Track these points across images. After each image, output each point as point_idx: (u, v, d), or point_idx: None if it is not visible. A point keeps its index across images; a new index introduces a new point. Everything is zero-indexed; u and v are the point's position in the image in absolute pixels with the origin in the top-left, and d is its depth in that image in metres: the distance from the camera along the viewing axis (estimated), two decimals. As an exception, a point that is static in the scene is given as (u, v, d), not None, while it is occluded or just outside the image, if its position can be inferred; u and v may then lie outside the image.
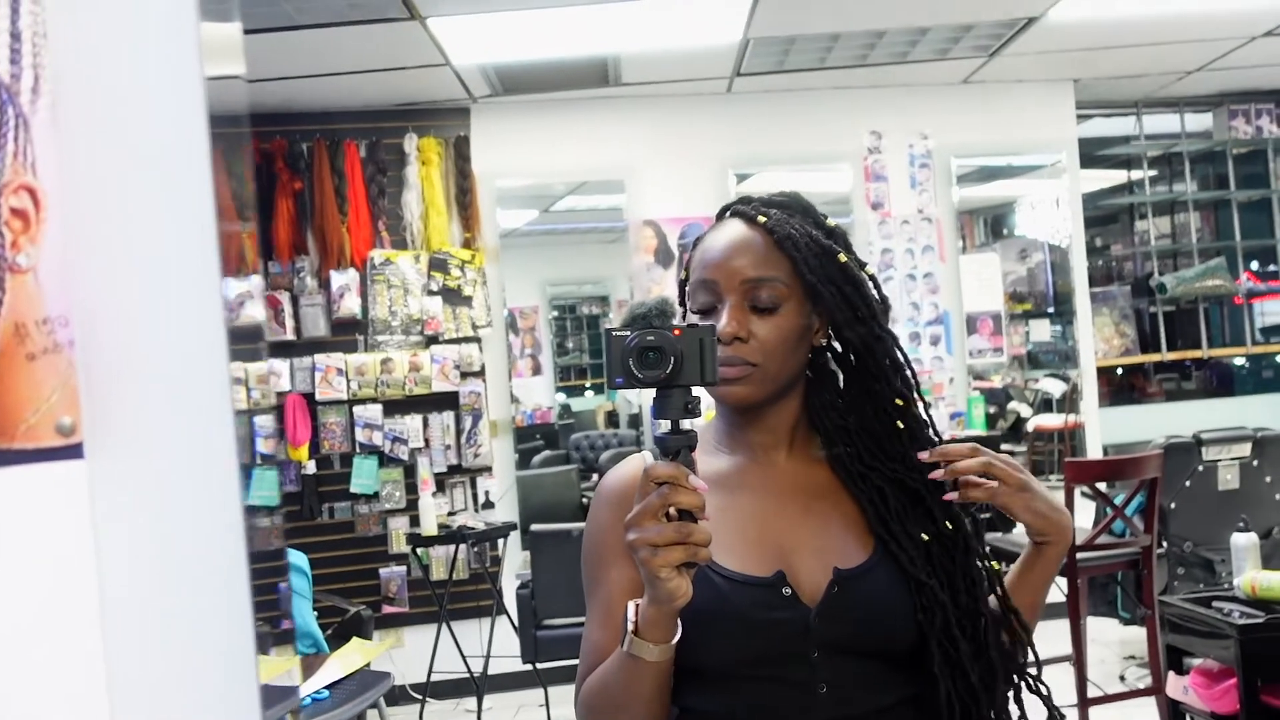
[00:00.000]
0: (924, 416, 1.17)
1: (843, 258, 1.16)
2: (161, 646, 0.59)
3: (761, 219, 1.16)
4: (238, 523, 0.58)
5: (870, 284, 1.18)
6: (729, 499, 1.15)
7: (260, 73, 4.27)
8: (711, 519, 1.09)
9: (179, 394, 0.59)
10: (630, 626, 1.00)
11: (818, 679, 1.07)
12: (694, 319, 1.17)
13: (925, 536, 1.12)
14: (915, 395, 1.17)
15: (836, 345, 1.21)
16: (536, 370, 5.73)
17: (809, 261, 1.13)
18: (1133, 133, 5.95)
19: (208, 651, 0.61)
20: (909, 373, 1.17)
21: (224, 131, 0.63)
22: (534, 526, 4.00)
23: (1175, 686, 2.62)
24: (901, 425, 1.16)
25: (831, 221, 1.22)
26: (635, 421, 5.75)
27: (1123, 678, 4.38)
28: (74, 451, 0.56)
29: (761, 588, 1.09)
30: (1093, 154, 5.83)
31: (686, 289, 1.21)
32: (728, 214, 1.21)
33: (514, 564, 4.80)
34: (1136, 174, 6.10)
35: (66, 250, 0.57)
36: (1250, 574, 2.53)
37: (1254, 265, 6.16)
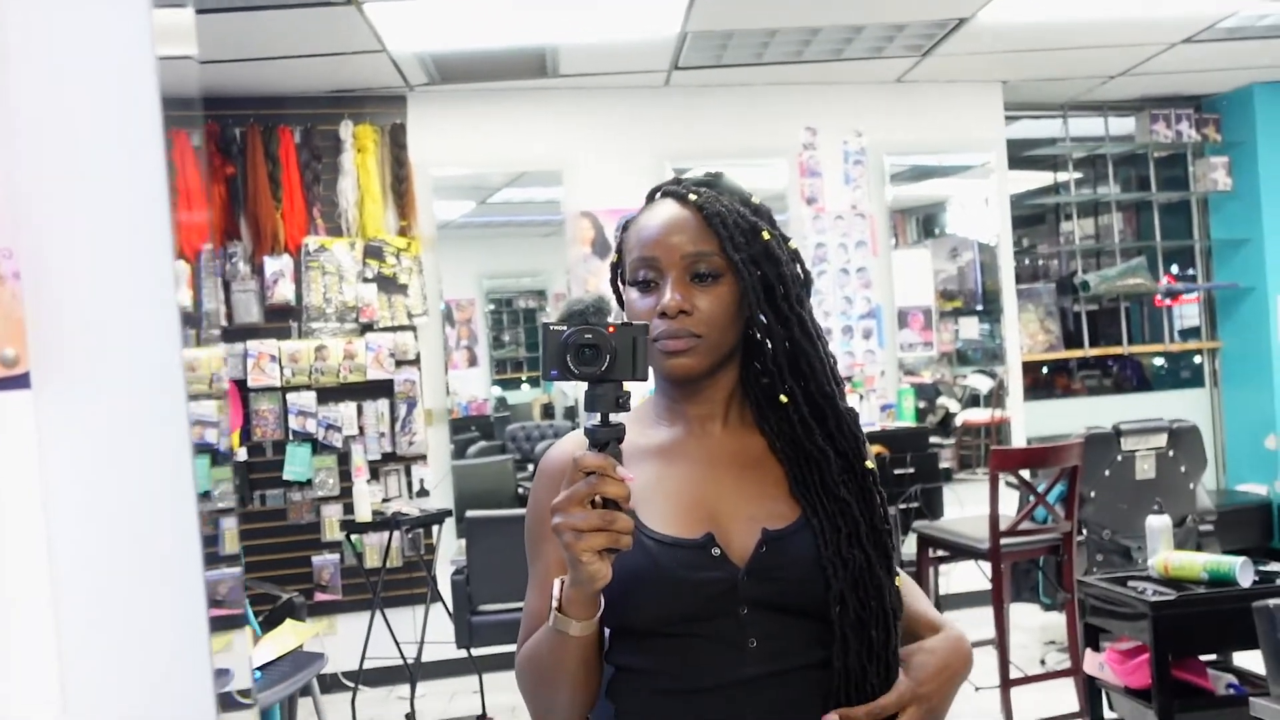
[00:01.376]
0: (829, 389, 1.20)
1: (766, 234, 1.20)
2: (109, 573, 0.61)
3: (692, 197, 1.20)
4: (186, 456, 0.60)
5: (793, 261, 1.23)
6: (665, 468, 1.20)
7: (193, 54, 4.21)
8: (647, 487, 1.15)
9: (129, 329, 0.60)
10: (555, 604, 1.06)
11: (747, 635, 1.12)
12: (633, 294, 1.21)
13: (848, 499, 1.16)
14: (828, 374, 1.20)
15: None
16: (473, 362, 5.72)
17: (734, 239, 1.18)
18: (1059, 135, 6.11)
19: (156, 581, 0.63)
20: (820, 351, 1.20)
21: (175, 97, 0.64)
22: (470, 513, 4.00)
23: (1092, 663, 2.71)
24: (813, 399, 1.19)
25: (756, 199, 1.26)
26: (571, 414, 5.77)
27: (1043, 661, 4.51)
28: (19, 382, 0.57)
29: (691, 549, 1.13)
30: (1020, 155, 5.98)
31: (623, 269, 1.25)
32: (659, 194, 1.26)
33: (449, 551, 4.79)
34: (1062, 176, 6.27)
35: (13, 183, 0.58)
36: (1164, 554, 2.64)
37: (1174, 269, 6.37)
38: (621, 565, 1.05)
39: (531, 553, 1.23)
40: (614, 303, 1.29)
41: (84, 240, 0.60)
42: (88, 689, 0.61)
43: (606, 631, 1.16)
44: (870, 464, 1.19)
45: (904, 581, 1.26)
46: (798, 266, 1.23)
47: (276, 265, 4.64)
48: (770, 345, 1.20)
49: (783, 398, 1.19)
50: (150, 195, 0.60)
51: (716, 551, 1.14)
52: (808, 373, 1.19)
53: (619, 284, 1.27)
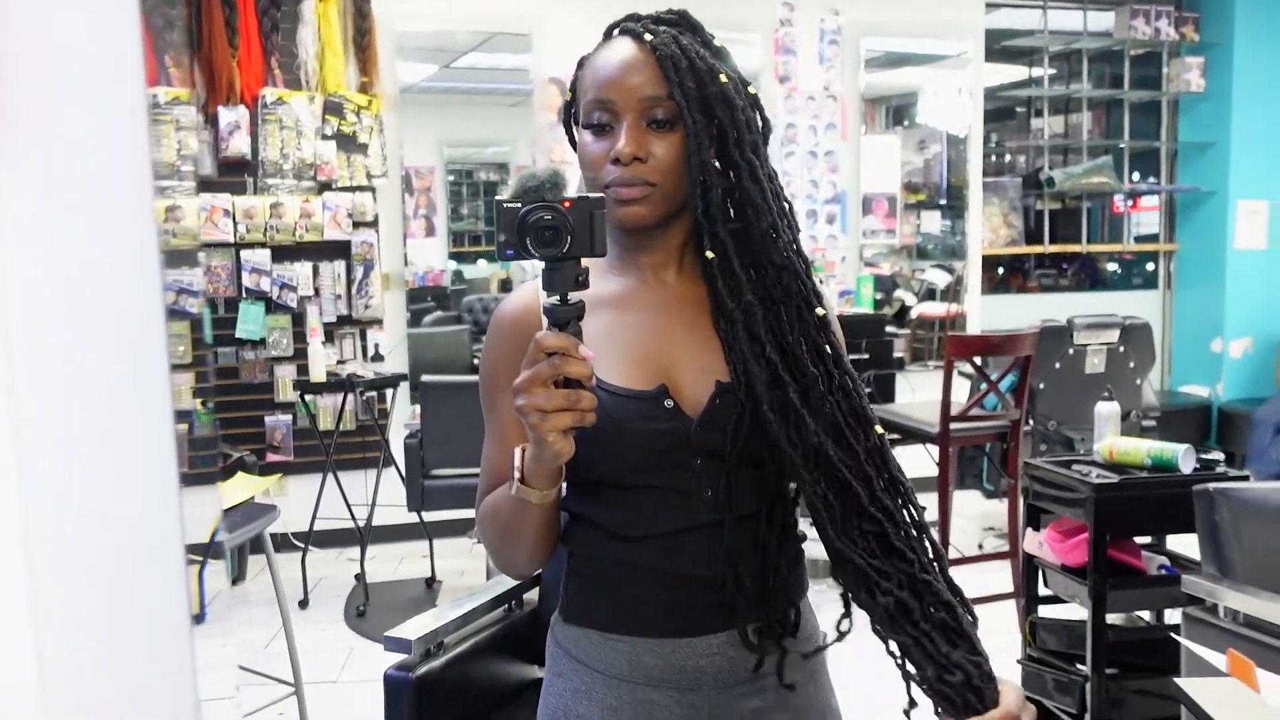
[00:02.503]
0: (770, 237, 1.14)
1: (724, 77, 1.14)
2: (71, 376, 0.58)
3: (649, 37, 1.14)
4: (152, 253, 0.57)
5: (752, 107, 1.17)
6: (618, 318, 1.17)
7: (145, -116, 3.98)
8: (600, 337, 1.12)
9: (95, 131, 0.56)
10: (517, 475, 1.05)
11: (703, 485, 1.12)
12: (586, 137, 1.16)
13: (795, 351, 1.12)
14: (773, 223, 1.15)
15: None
16: (430, 232, 5.63)
17: (685, 83, 1.12)
18: (1038, 27, 6.02)
19: (124, 398, 0.60)
20: (768, 198, 1.15)
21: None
22: (425, 377, 3.99)
23: (1031, 542, 2.79)
24: (753, 249, 1.14)
25: (718, 41, 1.20)
26: (530, 287, 5.72)
27: (981, 545, 4.65)
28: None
29: (645, 400, 1.12)
30: (996, 46, 5.90)
31: (577, 110, 1.19)
32: (615, 31, 1.19)
33: (402, 416, 4.79)
34: (1037, 71, 6.20)
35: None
36: (1109, 439, 2.69)
37: (1135, 176, 6.39)
38: None
39: (487, 405, 1.21)
40: (569, 175, 1.24)
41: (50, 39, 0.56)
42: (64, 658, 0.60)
43: (564, 487, 1.15)
44: (820, 311, 1.14)
45: None
46: (756, 113, 1.17)
47: (231, 116, 4.48)
48: (705, 196, 1.13)
49: (709, 253, 1.14)
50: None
51: (670, 404, 1.12)
52: (752, 218, 1.14)
53: (571, 125, 1.22)
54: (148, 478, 0.61)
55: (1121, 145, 6.17)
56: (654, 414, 1.12)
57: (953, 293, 5.85)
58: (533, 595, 1.88)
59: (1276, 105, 6.00)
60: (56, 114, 0.56)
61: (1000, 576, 3.77)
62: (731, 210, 1.16)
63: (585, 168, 1.16)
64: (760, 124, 1.18)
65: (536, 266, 1.03)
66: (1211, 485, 2.20)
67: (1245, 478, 2.43)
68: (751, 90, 1.19)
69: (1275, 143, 6.02)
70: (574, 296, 1.00)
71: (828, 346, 1.14)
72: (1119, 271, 6.68)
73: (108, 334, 0.58)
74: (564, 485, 1.14)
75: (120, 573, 0.62)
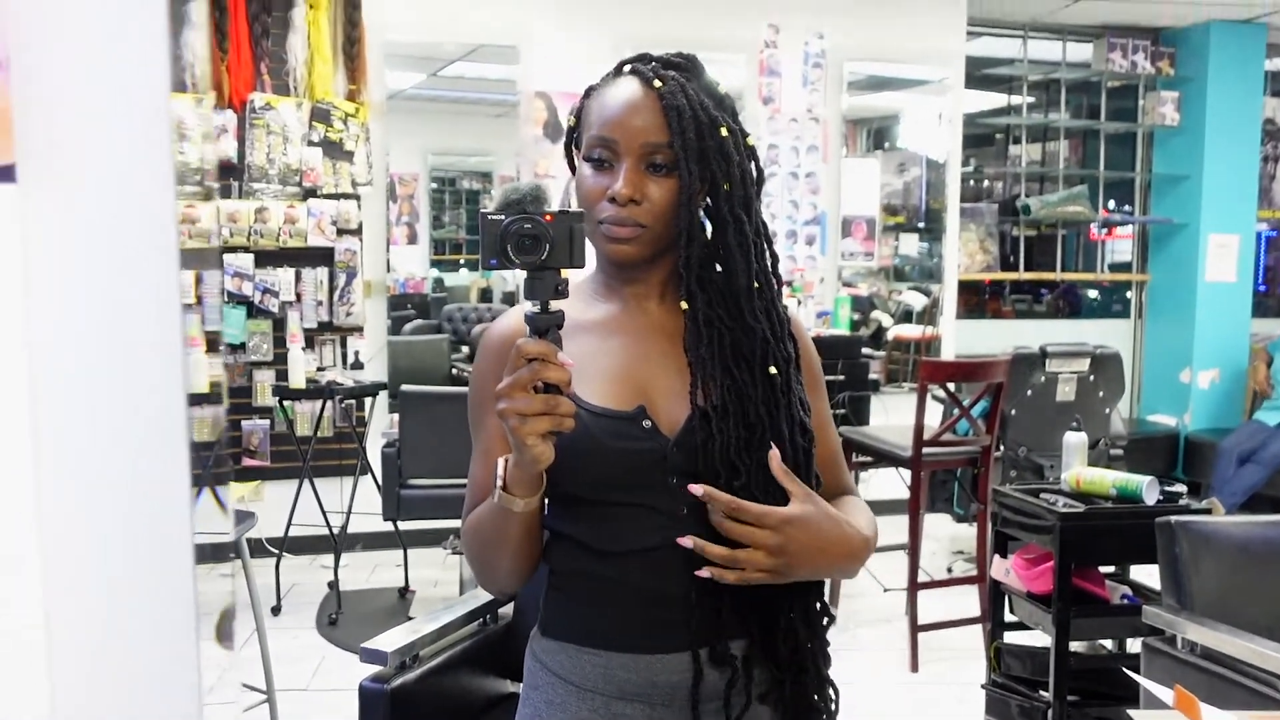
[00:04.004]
0: (741, 304, 1.21)
1: (724, 131, 1.20)
2: (89, 372, 0.61)
3: (657, 83, 1.18)
4: (172, 254, 0.60)
5: (748, 159, 1.23)
6: (601, 343, 1.23)
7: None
8: (583, 360, 1.17)
9: (119, 130, 0.59)
10: (499, 483, 1.10)
11: (678, 503, 1.16)
12: (585, 169, 1.21)
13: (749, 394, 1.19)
14: (749, 285, 1.20)
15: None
16: (412, 239, 5.65)
17: (686, 134, 1.17)
18: (1017, 56, 6.12)
19: (139, 396, 0.63)
20: (751, 262, 1.21)
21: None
22: (404, 387, 4.00)
23: (999, 569, 2.84)
24: (724, 304, 1.21)
25: (723, 89, 1.25)
26: (510, 299, 5.75)
27: (950, 569, 4.70)
28: (5, 175, 0.57)
29: (623, 420, 1.17)
30: (977, 74, 5.98)
31: (579, 138, 1.25)
32: (625, 70, 1.23)
33: (381, 424, 4.79)
34: (1016, 99, 6.30)
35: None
36: (1077, 469, 2.74)
37: (1110, 204, 6.49)
38: (559, 436, 1.08)
39: (474, 425, 1.26)
40: (551, 190, 1.30)
41: (77, 34, 0.58)
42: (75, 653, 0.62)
43: (546, 503, 1.20)
44: (773, 370, 1.19)
45: (851, 502, 1.30)
46: (752, 165, 1.23)
47: (219, 120, 4.49)
48: (688, 247, 1.19)
49: (683, 304, 1.21)
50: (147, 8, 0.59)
51: (648, 424, 1.18)
52: (732, 271, 1.20)
53: (573, 150, 1.27)
54: (161, 478, 0.64)
55: (1097, 175, 6.27)
56: (632, 433, 1.17)
57: (929, 315, 5.92)
58: (508, 610, 1.90)
59: (1248, 141, 6.12)
60: (81, 117, 0.58)
61: (968, 600, 3.83)
62: (717, 262, 1.22)
63: (582, 199, 1.21)
64: (755, 176, 1.24)
65: (519, 275, 1.08)
66: (1173, 518, 2.25)
67: (1207, 511, 2.49)
68: (750, 142, 1.24)
69: (1247, 177, 6.14)
70: (554, 305, 1.05)
71: (786, 405, 1.20)
72: (1098, 299, 6.78)
73: (126, 334, 0.61)
74: (546, 502, 1.18)
75: (129, 571, 0.64)
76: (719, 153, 1.19)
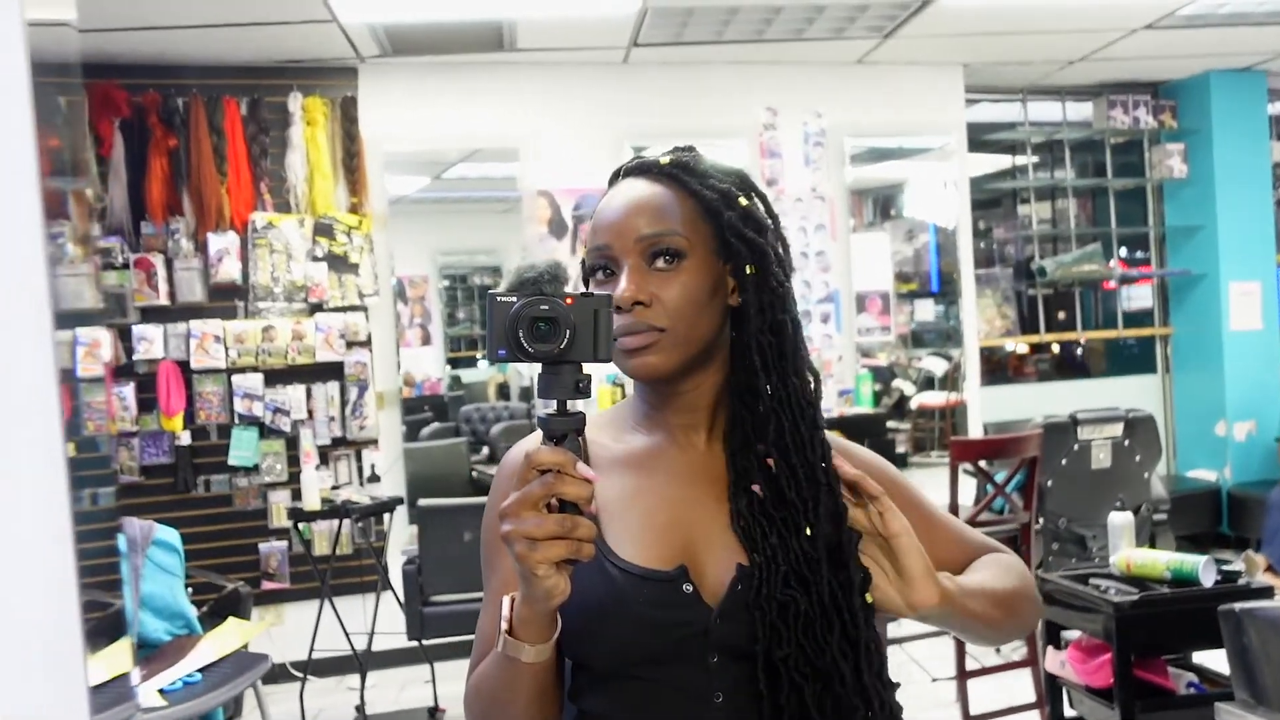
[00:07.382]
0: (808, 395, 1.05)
1: (743, 201, 1.06)
2: None
3: (663, 161, 1.07)
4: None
5: (775, 236, 1.08)
6: (638, 482, 1.06)
7: (132, 21, 4.03)
8: (617, 502, 1.03)
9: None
10: (505, 626, 0.93)
11: (714, 688, 1.00)
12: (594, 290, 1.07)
13: (811, 551, 1.00)
14: (802, 368, 1.05)
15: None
16: (426, 340, 5.61)
17: (708, 201, 1.03)
18: (1018, 119, 6.09)
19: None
20: (795, 371, 1.04)
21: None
22: (421, 502, 3.91)
23: (1053, 661, 2.70)
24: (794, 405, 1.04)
25: (734, 165, 1.12)
26: (527, 394, 5.68)
27: (999, 651, 4.52)
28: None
29: (661, 583, 1.00)
30: (979, 139, 5.96)
31: (584, 264, 1.11)
32: (621, 175, 1.11)
33: (400, 540, 4.69)
34: (1020, 160, 6.26)
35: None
36: (1125, 552, 2.62)
37: (1123, 252, 6.41)
38: (584, 594, 0.93)
39: (486, 566, 1.09)
40: (572, 271, 1.14)
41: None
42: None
43: (569, 664, 1.04)
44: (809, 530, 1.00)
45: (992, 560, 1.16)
46: (778, 243, 1.08)
47: (221, 242, 4.48)
48: (743, 336, 1.03)
49: (765, 454, 1.01)
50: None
51: (689, 588, 1.00)
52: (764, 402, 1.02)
53: (588, 283, 1.12)
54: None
55: (1110, 231, 6.19)
56: (670, 599, 0.99)
57: (951, 380, 5.81)
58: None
59: (1260, 187, 6.04)
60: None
61: (1021, 685, 3.66)
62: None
63: None
64: (785, 252, 1.08)
65: (535, 368, 0.89)
66: (1238, 606, 2.12)
67: (1269, 591, 2.36)
68: (773, 210, 1.11)
69: (1263, 224, 6.05)
70: (573, 406, 0.88)
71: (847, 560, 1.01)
72: (1126, 349, 6.60)
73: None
74: (569, 670, 1.04)
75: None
76: (744, 220, 1.04)
